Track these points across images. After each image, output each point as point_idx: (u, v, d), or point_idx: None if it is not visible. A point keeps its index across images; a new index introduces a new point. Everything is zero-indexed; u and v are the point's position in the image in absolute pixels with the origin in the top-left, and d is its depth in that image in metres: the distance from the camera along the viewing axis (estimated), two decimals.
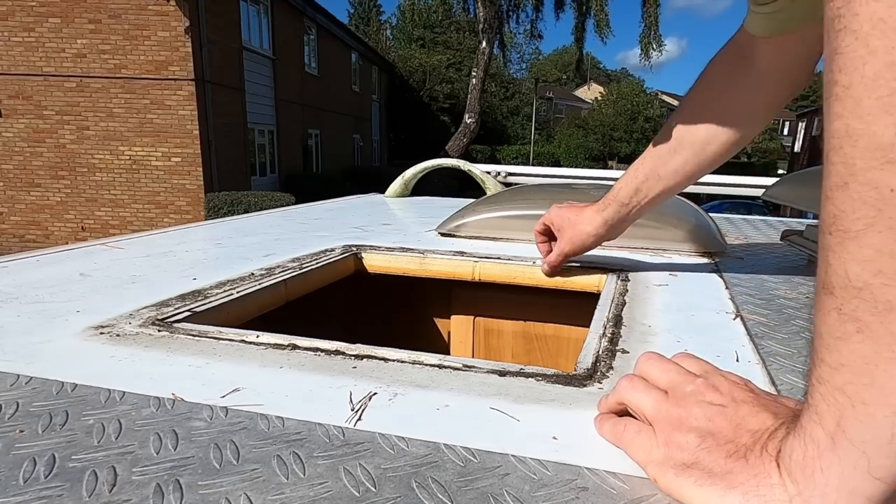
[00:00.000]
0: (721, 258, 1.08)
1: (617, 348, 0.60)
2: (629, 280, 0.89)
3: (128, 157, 9.79)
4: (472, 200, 1.43)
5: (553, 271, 0.94)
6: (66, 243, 1.44)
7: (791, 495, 0.30)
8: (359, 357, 0.56)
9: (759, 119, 0.78)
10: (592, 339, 0.63)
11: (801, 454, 0.30)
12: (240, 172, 11.09)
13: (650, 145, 0.83)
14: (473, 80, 15.34)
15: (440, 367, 0.54)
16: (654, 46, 16.76)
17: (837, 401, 0.28)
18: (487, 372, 0.53)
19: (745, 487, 0.32)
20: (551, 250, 0.93)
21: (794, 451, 0.30)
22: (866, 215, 0.25)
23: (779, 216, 2.49)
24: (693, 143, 0.79)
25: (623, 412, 0.43)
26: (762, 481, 0.31)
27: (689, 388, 0.39)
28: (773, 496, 0.31)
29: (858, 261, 0.26)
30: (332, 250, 1.07)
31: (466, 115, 15.52)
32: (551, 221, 0.92)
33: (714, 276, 0.94)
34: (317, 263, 0.96)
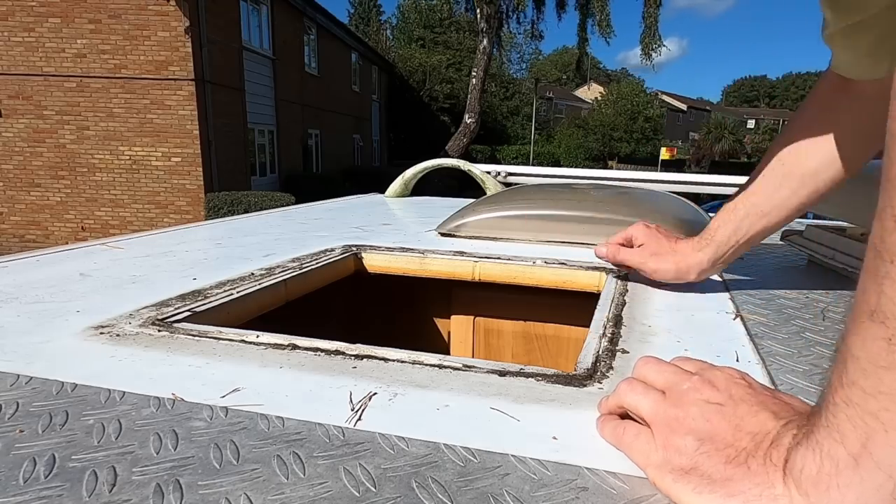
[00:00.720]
0: None
1: (617, 348, 0.60)
2: (629, 280, 0.89)
3: (128, 157, 9.79)
4: (472, 200, 1.44)
5: (614, 261, 0.88)
6: (66, 243, 1.44)
7: None
8: (359, 357, 0.56)
9: (872, 140, 0.70)
10: (592, 339, 0.63)
11: (815, 469, 0.30)
12: (240, 172, 11.09)
13: (746, 182, 0.79)
14: (473, 80, 15.34)
15: (440, 367, 0.54)
16: (654, 46, 16.77)
17: (868, 424, 0.28)
18: (487, 372, 0.53)
19: (746, 496, 0.32)
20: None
21: (806, 465, 0.30)
22: None
23: None
24: (802, 174, 0.74)
25: (623, 415, 0.43)
26: (765, 491, 0.31)
27: (685, 385, 0.39)
28: None
29: None
30: (332, 250, 1.07)
31: (466, 115, 15.53)
32: (636, 237, 0.86)
33: (714, 275, 0.94)
34: (317, 263, 0.96)
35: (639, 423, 0.40)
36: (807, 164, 0.73)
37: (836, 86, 0.71)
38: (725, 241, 0.78)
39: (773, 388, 0.43)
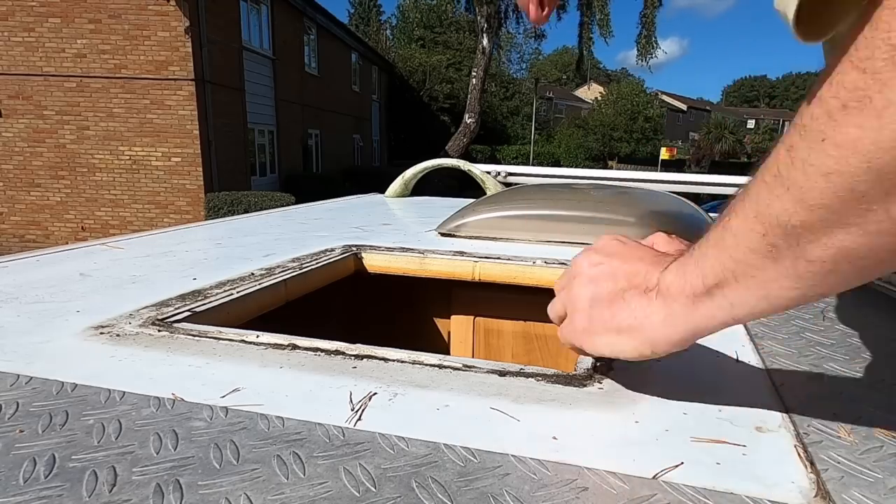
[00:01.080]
0: None
1: None
2: None
3: (128, 157, 9.79)
4: (472, 200, 1.43)
5: None
6: (66, 243, 1.44)
7: (656, 305, 0.42)
8: (359, 357, 0.56)
9: None
10: None
11: (677, 285, 0.41)
12: (240, 172, 11.09)
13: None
14: (473, 80, 15.34)
15: (440, 367, 0.54)
16: (650, 49, 16.78)
17: (723, 273, 0.37)
18: (487, 372, 0.53)
19: (629, 319, 0.44)
20: None
21: (672, 283, 0.41)
22: (831, 205, 0.30)
23: None
24: None
25: None
26: (640, 308, 0.43)
27: (577, 270, 0.49)
28: (645, 312, 0.43)
29: (805, 224, 0.32)
30: (332, 250, 1.07)
31: (466, 115, 15.53)
32: (657, 245, 0.89)
33: None
34: (317, 263, 0.96)
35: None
36: None
37: None
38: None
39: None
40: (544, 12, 0.70)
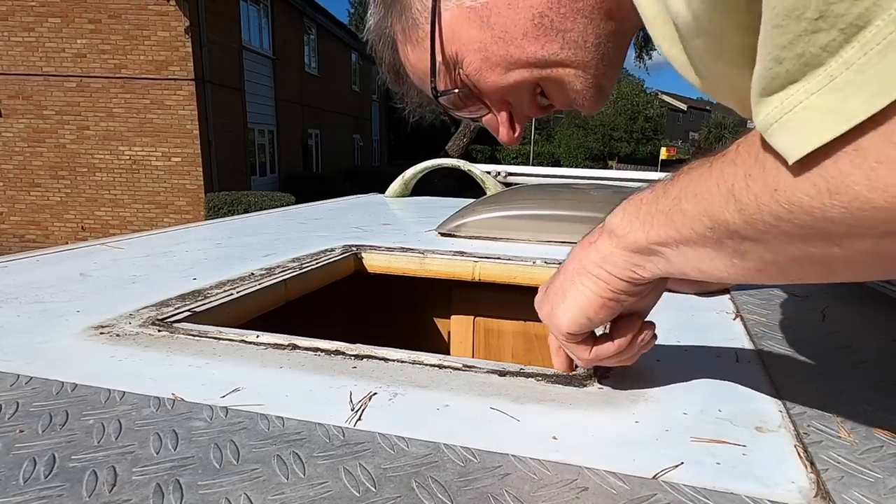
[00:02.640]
0: None
1: None
2: None
3: (128, 157, 9.79)
4: (472, 200, 1.43)
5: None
6: (66, 243, 1.44)
7: (600, 243, 0.47)
8: (359, 357, 0.56)
9: None
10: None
11: (623, 229, 0.45)
12: (240, 172, 11.08)
13: None
14: None
15: (440, 367, 0.54)
16: (647, 49, 16.77)
17: (667, 241, 0.41)
18: (487, 372, 0.53)
19: (581, 274, 0.47)
20: None
21: (617, 227, 0.45)
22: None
23: None
24: None
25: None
26: (591, 257, 0.47)
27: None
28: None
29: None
30: (332, 250, 1.07)
31: None
32: None
33: None
34: (317, 263, 0.96)
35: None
36: None
37: None
38: None
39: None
40: (516, 134, 0.67)
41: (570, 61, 0.51)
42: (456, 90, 0.56)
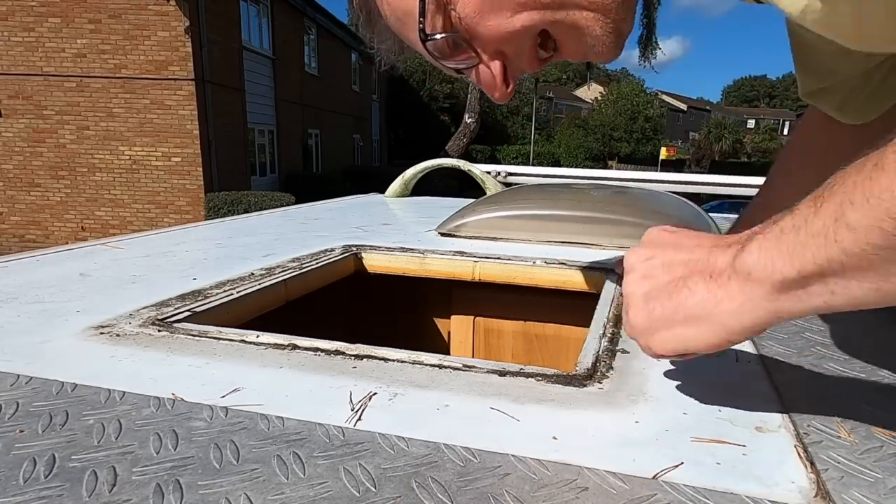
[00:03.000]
0: None
1: (617, 348, 0.60)
2: None
3: (128, 157, 9.79)
4: (472, 200, 1.43)
5: None
6: (66, 243, 1.44)
7: (731, 289, 0.40)
8: (359, 357, 0.56)
9: None
10: (592, 339, 0.63)
11: (764, 271, 0.38)
12: (240, 172, 11.08)
13: (771, 181, 0.78)
14: None
15: (440, 367, 0.54)
16: (651, 49, 16.77)
17: (830, 267, 0.35)
18: (487, 372, 0.53)
19: (698, 305, 0.41)
20: None
21: (755, 268, 0.39)
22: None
23: None
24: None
25: None
26: (712, 292, 0.41)
27: (634, 274, 0.47)
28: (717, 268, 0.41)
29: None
30: (332, 250, 1.07)
31: (466, 115, 15.51)
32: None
33: None
34: (317, 263, 0.96)
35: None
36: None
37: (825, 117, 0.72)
38: None
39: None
40: (508, 89, 0.62)
41: (590, 3, 0.46)
42: (446, 35, 0.48)
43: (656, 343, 0.44)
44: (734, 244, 0.41)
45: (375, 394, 0.48)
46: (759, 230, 0.39)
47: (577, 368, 0.55)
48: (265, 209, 2.13)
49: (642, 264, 0.46)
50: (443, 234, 1.26)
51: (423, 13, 0.47)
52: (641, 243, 0.48)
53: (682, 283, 0.42)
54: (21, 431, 0.41)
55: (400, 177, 2.12)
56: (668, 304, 0.43)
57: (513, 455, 0.40)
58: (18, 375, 0.50)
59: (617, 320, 0.69)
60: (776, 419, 0.46)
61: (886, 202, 0.32)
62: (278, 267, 0.92)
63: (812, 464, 0.40)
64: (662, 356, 0.45)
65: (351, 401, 0.47)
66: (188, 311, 0.69)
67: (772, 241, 0.38)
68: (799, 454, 0.41)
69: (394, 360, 0.55)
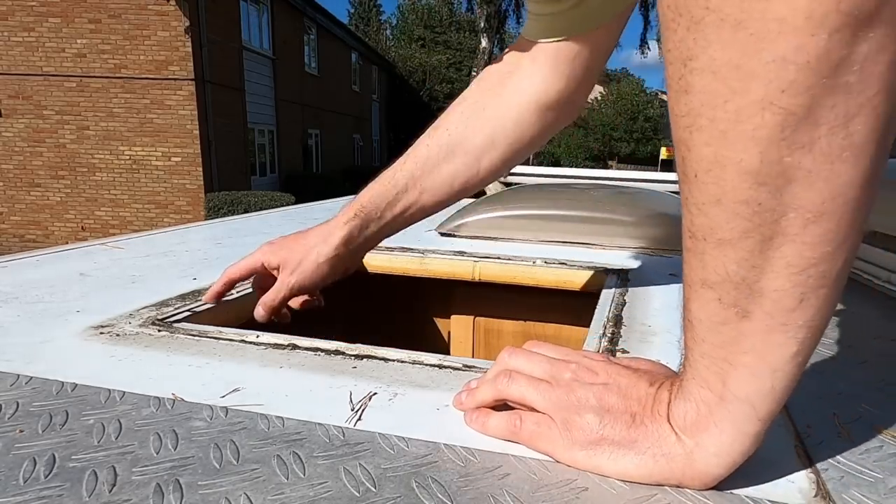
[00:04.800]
0: None
1: (617, 348, 0.60)
2: (629, 280, 0.89)
3: (128, 157, 9.79)
4: (472, 200, 1.43)
5: (272, 314, 0.69)
6: (66, 243, 1.44)
7: (689, 448, 0.35)
8: (359, 357, 0.56)
9: (541, 128, 0.68)
10: (592, 339, 0.63)
11: (694, 415, 0.35)
12: (240, 172, 11.08)
13: (412, 148, 0.69)
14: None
15: (440, 367, 0.54)
16: (648, 44, 16.83)
17: (722, 369, 0.34)
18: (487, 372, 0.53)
19: (652, 451, 0.36)
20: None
21: (686, 414, 0.36)
22: (740, 226, 0.30)
23: None
24: (466, 150, 0.67)
25: (498, 408, 0.43)
26: (664, 441, 0.36)
27: (567, 374, 0.42)
28: (675, 451, 0.36)
29: (735, 261, 0.31)
30: None
31: None
32: (260, 265, 0.69)
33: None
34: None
35: (532, 412, 0.41)
36: (472, 140, 0.67)
37: (513, 60, 0.68)
38: (379, 214, 0.67)
39: (629, 358, 0.45)
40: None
41: None
42: None
43: (591, 461, 0.38)
44: (665, 393, 0.38)
45: (375, 394, 0.48)
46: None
47: None
48: (265, 209, 2.13)
49: (581, 380, 0.41)
50: (443, 234, 1.26)
51: None
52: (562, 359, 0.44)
53: (640, 420, 0.38)
54: (21, 431, 0.41)
55: None
56: (624, 434, 0.38)
57: (513, 455, 0.40)
58: (18, 375, 0.50)
59: (617, 320, 0.69)
60: (776, 419, 0.45)
61: (693, 274, 0.34)
62: None
63: (812, 464, 0.40)
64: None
65: (351, 401, 0.47)
66: (188, 311, 0.69)
67: (675, 385, 0.37)
68: (799, 454, 0.41)
69: (394, 360, 0.55)
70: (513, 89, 0.67)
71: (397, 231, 0.71)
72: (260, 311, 0.68)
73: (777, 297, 0.31)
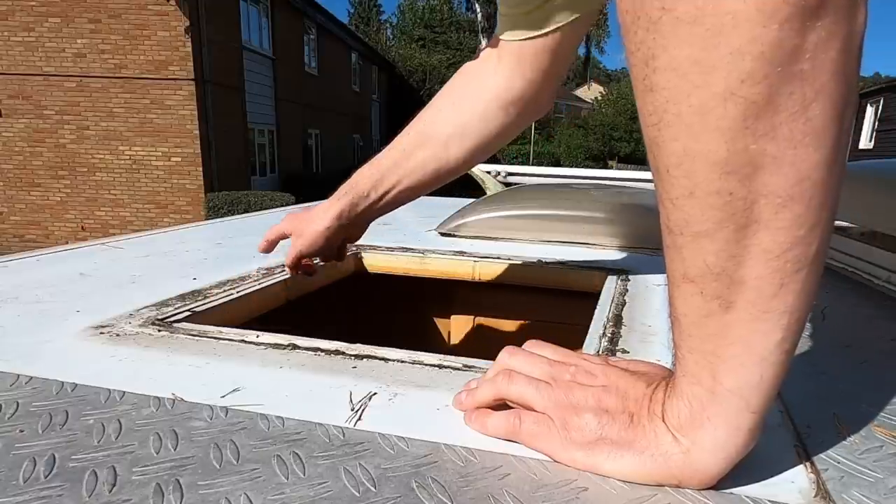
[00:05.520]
0: None
1: (617, 348, 0.60)
2: (629, 280, 0.89)
3: (128, 157, 9.78)
4: (472, 200, 1.44)
5: (292, 270, 0.82)
6: (66, 243, 1.44)
7: (686, 446, 0.35)
8: (359, 357, 0.56)
9: (504, 123, 0.73)
10: (592, 339, 0.63)
11: (687, 412, 0.35)
12: (240, 172, 11.08)
13: (398, 137, 0.76)
14: None
15: (440, 367, 0.54)
16: None
17: (710, 363, 0.34)
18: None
19: (650, 450, 0.36)
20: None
21: (680, 412, 0.36)
22: (714, 217, 0.30)
23: None
24: (436, 139, 0.73)
25: (496, 407, 0.43)
26: (660, 440, 0.36)
27: (566, 376, 0.42)
28: (672, 451, 0.36)
29: (713, 252, 0.31)
30: None
31: None
32: (283, 232, 0.81)
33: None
34: (317, 263, 0.96)
35: (531, 412, 0.42)
36: (440, 130, 0.73)
37: (486, 56, 0.72)
38: (366, 192, 0.75)
39: (627, 360, 0.46)
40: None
41: None
42: None
43: (588, 461, 0.38)
44: (659, 397, 0.38)
45: (375, 394, 0.48)
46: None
47: None
48: (265, 209, 2.13)
49: (579, 381, 0.42)
50: (443, 234, 1.26)
51: None
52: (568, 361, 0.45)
53: (637, 420, 0.38)
54: (21, 431, 0.41)
55: None
56: (622, 434, 0.38)
57: (513, 455, 0.40)
58: (18, 375, 0.50)
59: (617, 320, 0.69)
60: (776, 419, 0.46)
61: (675, 271, 0.34)
62: (278, 267, 0.92)
63: (812, 464, 0.40)
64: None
65: (351, 401, 0.47)
66: (188, 310, 0.69)
67: (668, 389, 0.37)
68: (799, 454, 0.41)
69: (394, 360, 0.55)
70: (480, 85, 0.72)
71: (388, 210, 0.78)
72: (286, 269, 0.84)
73: (757, 284, 0.31)
